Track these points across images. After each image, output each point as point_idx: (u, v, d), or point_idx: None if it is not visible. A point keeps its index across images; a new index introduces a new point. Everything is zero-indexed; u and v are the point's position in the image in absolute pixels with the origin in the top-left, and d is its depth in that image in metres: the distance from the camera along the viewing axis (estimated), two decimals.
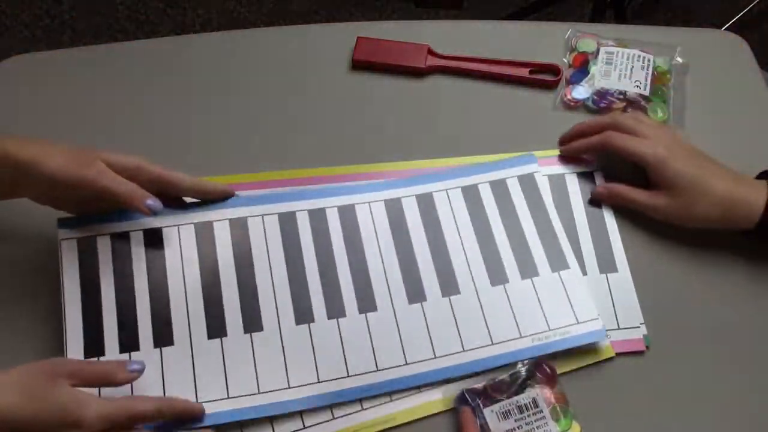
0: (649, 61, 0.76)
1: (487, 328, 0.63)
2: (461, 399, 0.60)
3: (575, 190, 0.70)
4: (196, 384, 0.59)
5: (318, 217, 0.66)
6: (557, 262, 0.66)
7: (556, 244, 0.66)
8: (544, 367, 0.61)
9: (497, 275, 0.65)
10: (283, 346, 0.61)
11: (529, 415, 0.58)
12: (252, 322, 0.62)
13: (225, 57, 0.79)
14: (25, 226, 0.67)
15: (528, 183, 0.69)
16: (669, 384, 0.62)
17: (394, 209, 0.67)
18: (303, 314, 0.62)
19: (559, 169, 0.71)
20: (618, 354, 0.62)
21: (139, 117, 0.75)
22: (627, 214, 0.69)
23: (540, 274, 0.65)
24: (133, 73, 0.78)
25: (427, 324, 0.63)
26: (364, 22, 0.82)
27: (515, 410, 0.59)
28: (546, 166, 0.71)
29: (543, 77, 0.77)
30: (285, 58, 0.79)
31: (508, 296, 0.64)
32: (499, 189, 0.69)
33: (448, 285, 0.64)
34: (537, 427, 0.58)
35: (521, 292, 0.64)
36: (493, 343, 0.62)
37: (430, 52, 0.78)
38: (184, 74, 0.78)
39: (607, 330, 0.63)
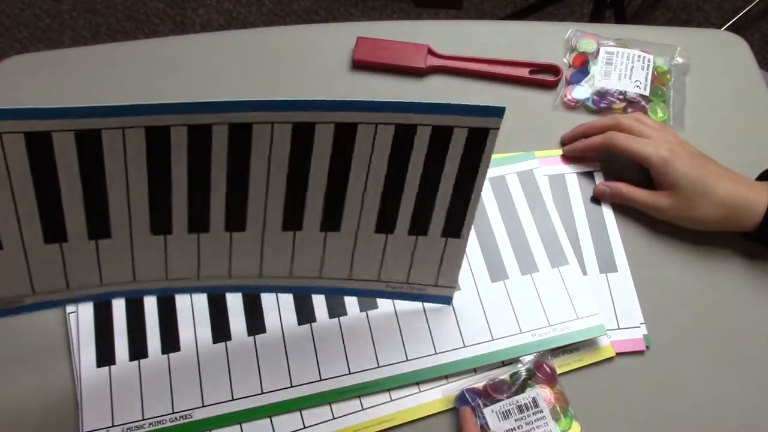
0: (649, 61, 0.76)
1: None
2: (461, 399, 0.60)
3: (575, 189, 0.70)
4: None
5: (199, 136, 0.53)
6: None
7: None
8: (544, 367, 0.61)
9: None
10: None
11: (529, 415, 0.58)
12: (101, 229, 0.55)
13: (225, 57, 0.79)
14: None
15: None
16: (669, 384, 0.62)
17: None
18: (161, 225, 0.56)
19: (559, 168, 0.71)
20: (618, 354, 0.63)
21: None
22: (627, 214, 0.69)
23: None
24: (133, 73, 0.78)
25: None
26: (364, 22, 0.82)
27: (515, 410, 0.59)
28: (546, 166, 0.71)
29: (543, 77, 0.77)
30: (285, 58, 0.79)
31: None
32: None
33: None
34: (537, 427, 0.58)
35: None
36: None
37: (430, 52, 0.78)
38: (184, 74, 0.78)
39: (607, 330, 0.63)
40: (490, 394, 0.59)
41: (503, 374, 0.60)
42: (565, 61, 0.78)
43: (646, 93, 0.75)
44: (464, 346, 0.62)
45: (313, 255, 0.59)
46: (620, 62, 0.76)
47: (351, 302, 0.64)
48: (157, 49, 0.80)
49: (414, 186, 0.56)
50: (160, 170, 0.53)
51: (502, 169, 0.70)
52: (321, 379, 0.60)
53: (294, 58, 0.79)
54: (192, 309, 0.63)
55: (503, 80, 0.77)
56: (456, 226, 0.58)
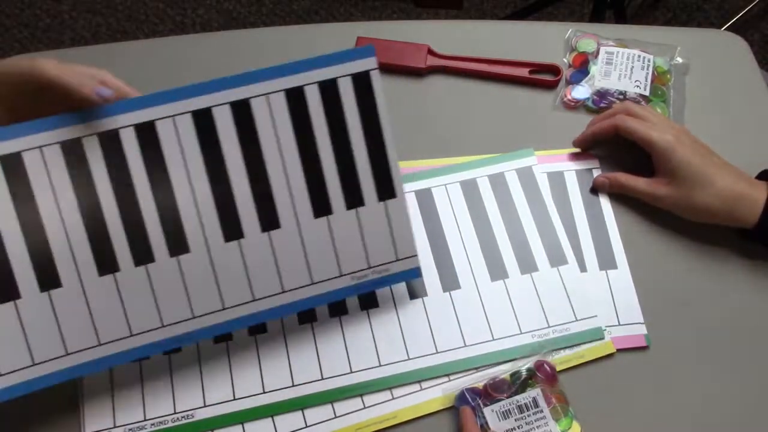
0: (649, 61, 0.76)
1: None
2: (462, 398, 0.60)
3: (574, 187, 0.70)
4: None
5: (110, 145, 0.50)
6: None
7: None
8: (544, 366, 0.61)
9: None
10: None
11: (529, 415, 0.59)
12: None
13: (225, 57, 0.79)
14: None
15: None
16: (669, 383, 0.62)
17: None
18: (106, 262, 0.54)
19: (558, 166, 0.71)
20: (618, 350, 0.63)
21: None
22: (627, 211, 0.69)
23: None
24: (133, 73, 0.78)
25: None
26: (364, 22, 0.82)
27: (515, 410, 0.59)
28: (545, 164, 0.71)
29: (543, 77, 0.77)
30: (285, 58, 0.79)
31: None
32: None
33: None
34: (537, 427, 0.58)
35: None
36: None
37: (430, 52, 0.78)
38: (184, 74, 0.78)
39: (607, 327, 0.63)
40: (490, 393, 0.59)
41: (503, 374, 0.61)
42: (565, 61, 0.78)
43: (646, 93, 0.75)
44: (465, 346, 0.62)
45: (266, 263, 0.58)
46: (620, 62, 0.76)
47: (351, 301, 0.64)
48: (157, 49, 0.80)
49: (328, 151, 0.57)
50: (86, 195, 0.49)
51: (501, 166, 0.70)
52: (323, 378, 0.60)
53: (294, 58, 0.79)
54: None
55: (503, 80, 0.77)
56: (387, 185, 0.60)
